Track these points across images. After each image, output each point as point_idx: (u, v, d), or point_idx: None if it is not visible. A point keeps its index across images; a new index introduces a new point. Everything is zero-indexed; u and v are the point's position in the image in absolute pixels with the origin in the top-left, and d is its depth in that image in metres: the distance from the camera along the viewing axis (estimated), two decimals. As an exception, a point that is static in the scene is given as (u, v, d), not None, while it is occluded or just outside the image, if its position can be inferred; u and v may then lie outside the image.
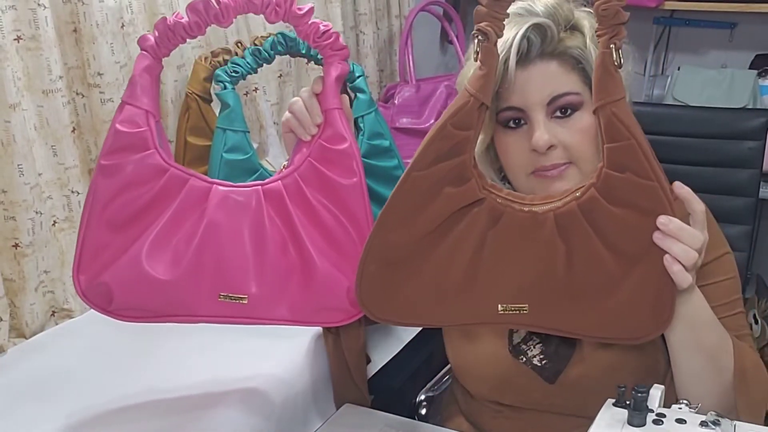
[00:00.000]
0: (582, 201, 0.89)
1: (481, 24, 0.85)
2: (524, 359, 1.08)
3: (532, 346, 1.08)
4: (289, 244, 1.03)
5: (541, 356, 1.07)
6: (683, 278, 0.88)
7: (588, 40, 1.02)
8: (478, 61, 0.87)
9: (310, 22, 1.02)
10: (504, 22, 0.89)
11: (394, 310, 0.94)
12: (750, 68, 2.39)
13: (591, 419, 0.83)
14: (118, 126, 1.02)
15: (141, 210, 1.02)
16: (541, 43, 1.00)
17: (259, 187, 1.04)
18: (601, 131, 0.88)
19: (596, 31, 0.87)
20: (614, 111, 0.86)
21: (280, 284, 1.03)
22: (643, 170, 0.86)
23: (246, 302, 1.03)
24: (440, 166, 0.89)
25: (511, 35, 0.98)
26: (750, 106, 2.27)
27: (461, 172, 0.90)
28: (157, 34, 1.03)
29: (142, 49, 1.05)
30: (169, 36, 1.03)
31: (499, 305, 0.92)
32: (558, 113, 1.01)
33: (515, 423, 1.12)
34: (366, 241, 0.93)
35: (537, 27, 0.99)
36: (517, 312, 0.92)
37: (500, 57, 0.96)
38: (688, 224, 0.89)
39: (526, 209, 0.91)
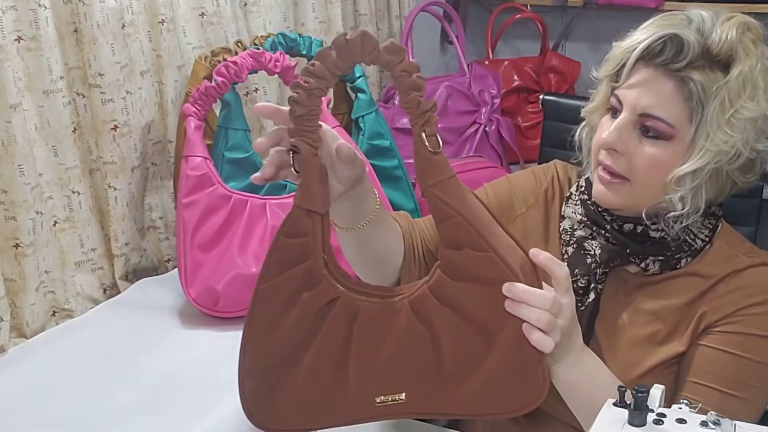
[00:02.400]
0: (431, 283, 0.89)
1: (292, 139, 0.86)
2: None
3: None
4: None
5: None
6: (542, 343, 0.85)
7: (719, 85, 0.94)
8: (297, 172, 0.87)
9: (295, 74, 1.42)
10: (659, 22, 0.98)
11: (279, 419, 0.94)
12: (750, 68, 2.38)
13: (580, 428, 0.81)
14: (188, 173, 1.37)
15: (220, 230, 1.37)
16: (672, 57, 0.95)
17: None
18: (432, 214, 0.88)
19: (410, 121, 0.86)
20: (436, 193, 0.86)
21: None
22: (476, 243, 0.86)
23: None
24: (289, 273, 0.89)
25: (653, 31, 0.97)
26: (750, 107, 2.27)
27: (311, 276, 0.89)
28: (193, 100, 1.40)
29: (186, 116, 1.40)
30: (203, 99, 1.40)
31: (376, 398, 0.91)
32: (643, 129, 0.98)
33: (507, 427, 1.12)
34: (238, 358, 0.94)
35: (678, 39, 0.95)
36: (395, 402, 0.91)
37: (632, 46, 0.98)
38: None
39: (384, 300, 0.91)
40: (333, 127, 1.40)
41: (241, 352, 0.93)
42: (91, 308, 1.45)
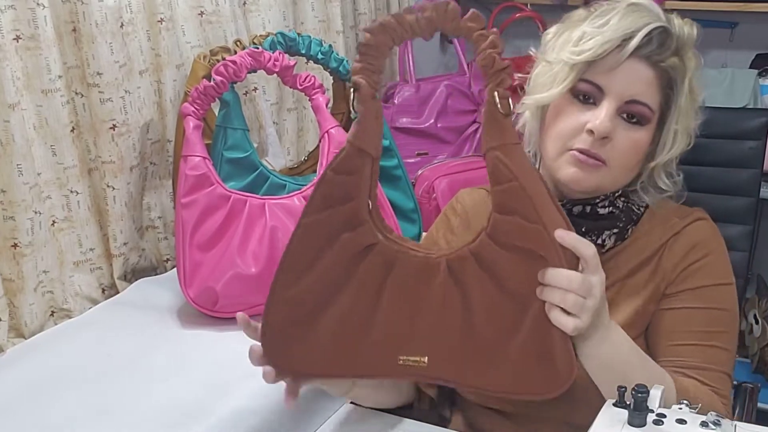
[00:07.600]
0: (473, 246, 0.88)
1: (356, 77, 0.86)
2: None
3: None
4: None
5: None
6: (565, 324, 0.85)
7: (686, 73, 1.04)
8: (355, 110, 0.88)
9: (293, 74, 1.45)
10: (621, 8, 1.01)
11: (296, 361, 0.93)
12: (750, 68, 2.38)
13: (579, 427, 0.81)
14: (187, 172, 1.35)
15: (219, 230, 1.36)
16: (657, 48, 1.01)
17: (299, 194, 1.43)
18: (489, 176, 0.87)
19: (484, 82, 0.86)
20: (498, 155, 0.86)
21: None
22: (528, 213, 0.85)
23: None
24: (332, 211, 0.89)
25: (641, 23, 1.01)
26: (750, 106, 2.27)
27: (353, 217, 0.89)
28: (191, 99, 1.38)
29: (185, 116, 1.37)
30: (202, 99, 1.38)
31: (399, 357, 0.90)
32: (626, 115, 1.03)
33: (507, 429, 1.12)
34: (268, 292, 0.92)
35: (665, 32, 1.02)
36: (416, 364, 0.90)
37: (620, 35, 1.00)
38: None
39: (420, 254, 0.90)
40: (332, 127, 1.42)
41: (272, 287, 0.91)
42: (90, 308, 1.45)
